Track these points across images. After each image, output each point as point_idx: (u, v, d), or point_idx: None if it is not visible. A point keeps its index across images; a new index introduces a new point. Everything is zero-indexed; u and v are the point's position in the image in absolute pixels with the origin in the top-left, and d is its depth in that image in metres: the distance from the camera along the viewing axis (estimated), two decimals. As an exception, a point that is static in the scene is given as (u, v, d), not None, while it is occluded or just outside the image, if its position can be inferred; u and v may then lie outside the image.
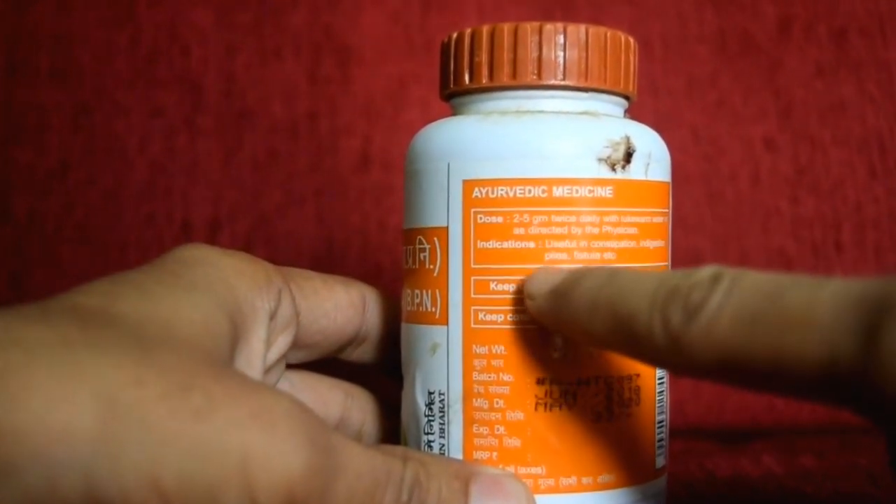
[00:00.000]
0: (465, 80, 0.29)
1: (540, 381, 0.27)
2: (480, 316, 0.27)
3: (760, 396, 0.47)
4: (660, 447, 0.29)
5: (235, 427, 0.20)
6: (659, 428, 0.29)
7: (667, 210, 0.29)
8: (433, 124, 0.29)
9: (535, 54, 0.28)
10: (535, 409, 0.27)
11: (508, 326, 0.27)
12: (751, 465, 0.41)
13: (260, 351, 0.27)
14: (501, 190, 0.27)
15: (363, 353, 0.32)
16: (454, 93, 0.30)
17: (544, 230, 0.27)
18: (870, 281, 0.19)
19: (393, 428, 0.31)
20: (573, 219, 0.27)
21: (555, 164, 0.27)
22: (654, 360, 0.23)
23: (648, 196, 0.28)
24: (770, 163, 0.49)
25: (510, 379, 0.27)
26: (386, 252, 0.48)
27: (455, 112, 0.30)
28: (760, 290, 0.20)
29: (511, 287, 0.27)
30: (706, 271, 0.21)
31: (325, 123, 0.49)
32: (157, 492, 0.19)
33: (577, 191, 0.27)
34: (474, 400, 0.27)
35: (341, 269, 0.48)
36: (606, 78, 0.28)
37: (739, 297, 0.20)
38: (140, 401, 0.19)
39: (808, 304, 0.19)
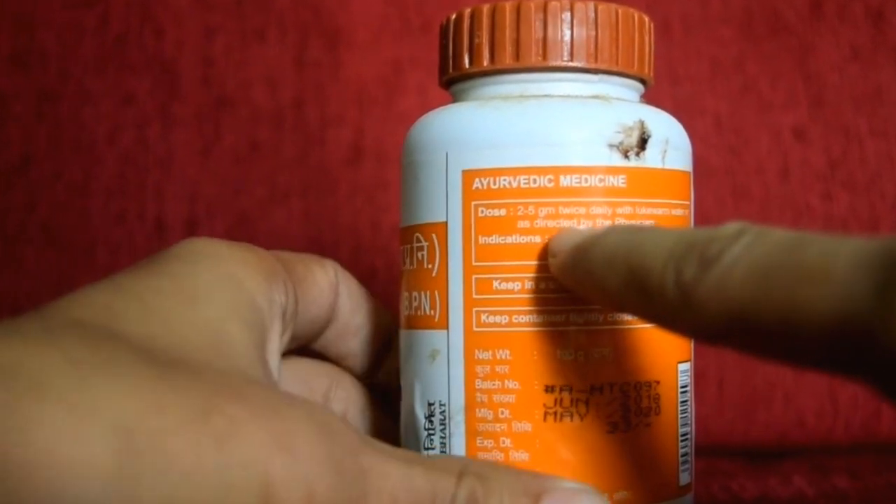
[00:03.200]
0: (464, 64, 0.29)
1: (549, 389, 0.27)
2: (483, 318, 0.27)
3: (789, 413, 0.47)
4: (684, 462, 0.29)
5: (257, 453, 0.20)
6: (683, 441, 0.28)
7: (688, 202, 0.29)
8: (431, 113, 0.29)
9: (539, 34, 0.28)
10: (544, 419, 0.27)
11: (514, 329, 0.27)
12: (780, 485, 0.41)
13: (277, 347, 0.27)
14: (504, 180, 0.27)
15: (341, 345, 0.32)
16: (454, 78, 0.30)
17: (551, 223, 0.27)
18: (892, 237, 0.19)
19: (379, 418, 0.32)
20: (583, 210, 0.27)
21: (562, 152, 0.27)
22: (665, 317, 0.23)
23: (666, 186, 0.28)
24: (800, 155, 0.49)
25: (516, 386, 0.27)
26: (380, 253, 0.48)
27: (455, 100, 0.30)
28: (779, 245, 0.20)
29: (516, 286, 0.27)
30: (730, 227, 0.22)
31: (312, 112, 0.49)
32: None
33: (586, 180, 0.27)
34: (477, 410, 0.27)
35: (330, 271, 0.48)
36: (618, 59, 0.28)
37: (757, 251, 0.20)
38: (159, 431, 0.19)
39: (825, 258, 0.19)
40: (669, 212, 0.28)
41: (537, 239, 0.27)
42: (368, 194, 0.49)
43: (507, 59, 0.28)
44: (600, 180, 0.27)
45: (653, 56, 0.30)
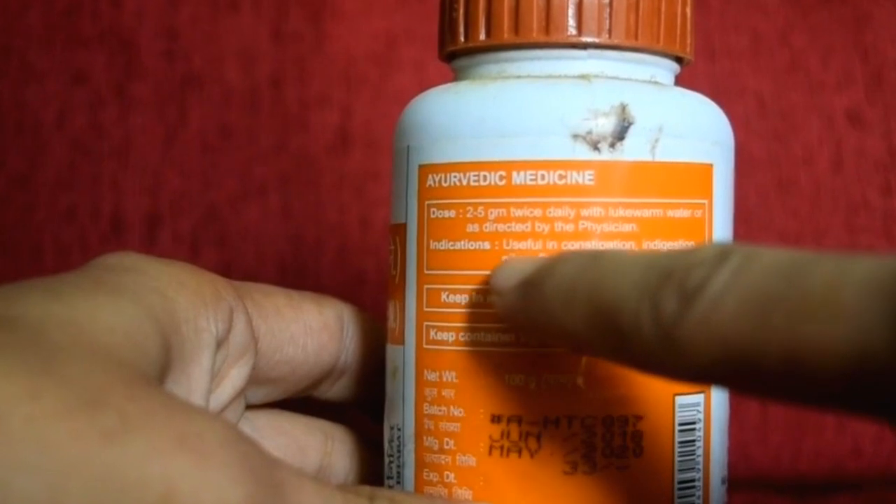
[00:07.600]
0: (459, 38, 0.28)
1: (495, 419, 0.27)
2: (432, 334, 0.27)
3: (843, 439, 0.48)
4: None
5: (156, 453, 0.20)
6: (685, 489, 0.28)
7: (702, 201, 0.28)
8: (422, 94, 0.29)
9: (511, 3, 0.27)
10: (489, 452, 0.27)
11: (460, 348, 0.27)
12: (834, 526, 0.42)
13: (202, 385, 0.27)
14: (454, 177, 0.27)
15: (344, 390, 0.32)
16: (450, 54, 0.29)
17: (502, 227, 0.27)
18: None
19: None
20: (538, 212, 0.26)
21: (515, 144, 0.27)
22: (645, 362, 0.22)
23: (657, 182, 0.27)
24: (856, 142, 0.49)
25: (461, 414, 0.27)
26: (370, 254, 0.48)
27: (454, 78, 0.30)
28: (775, 270, 0.20)
29: (463, 299, 0.27)
30: (710, 249, 0.21)
31: (292, 92, 0.49)
32: None
33: (542, 177, 0.26)
34: (425, 438, 0.27)
35: (313, 275, 0.48)
36: (612, 30, 0.27)
37: (749, 279, 0.20)
38: (35, 417, 0.19)
39: (834, 286, 0.19)
40: (664, 213, 0.27)
41: (486, 245, 0.27)
42: (356, 186, 0.48)
43: (481, 35, 0.28)
44: (560, 177, 0.26)
45: (686, 25, 0.29)
